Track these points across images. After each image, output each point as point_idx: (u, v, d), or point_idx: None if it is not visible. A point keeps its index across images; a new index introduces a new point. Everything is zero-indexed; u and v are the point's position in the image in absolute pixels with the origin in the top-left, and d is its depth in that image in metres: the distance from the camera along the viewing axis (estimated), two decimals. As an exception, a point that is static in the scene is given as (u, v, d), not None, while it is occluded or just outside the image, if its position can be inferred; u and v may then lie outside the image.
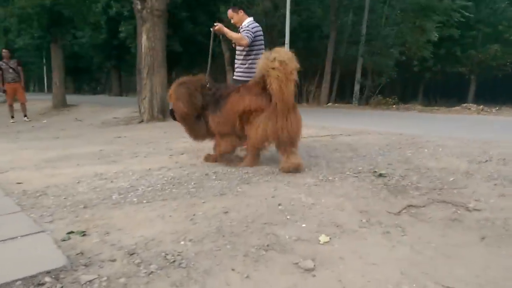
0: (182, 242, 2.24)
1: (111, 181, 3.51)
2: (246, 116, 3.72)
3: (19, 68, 10.48)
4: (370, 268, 2.00)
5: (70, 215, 2.65)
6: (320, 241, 2.29)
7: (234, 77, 4.76)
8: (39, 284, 1.75)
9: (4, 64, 10.36)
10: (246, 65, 4.60)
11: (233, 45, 4.66)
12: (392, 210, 2.76)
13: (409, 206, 2.83)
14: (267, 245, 2.23)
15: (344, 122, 7.43)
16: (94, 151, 5.17)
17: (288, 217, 2.61)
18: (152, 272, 1.91)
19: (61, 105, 14.01)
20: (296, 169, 3.61)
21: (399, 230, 2.45)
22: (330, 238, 2.32)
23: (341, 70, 19.61)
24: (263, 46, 4.59)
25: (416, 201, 2.88)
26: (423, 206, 2.80)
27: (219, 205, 2.78)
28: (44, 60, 29.85)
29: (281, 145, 3.71)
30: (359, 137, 5.51)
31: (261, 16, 16.63)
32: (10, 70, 10.27)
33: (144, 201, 2.90)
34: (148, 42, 7.98)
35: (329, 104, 14.86)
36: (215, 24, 4.39)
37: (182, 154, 4.68)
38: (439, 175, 3.42)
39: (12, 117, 11.11)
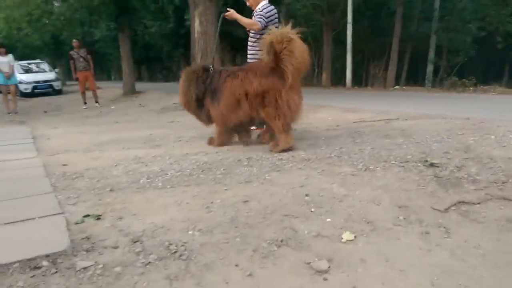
0: (191, 232, 2.12)
1: (146, 165, 3.51)
2: (259, 99, 3.69)
3: (89, 56, 11.15)
4: (395, 274, 1.70)
5: (94, 197, 2.66)
6: (342, 238, 2.02)
7: (248, 60, 4.62)
8: (35, 268, 1.73)
9: (75, 53, 11.07)
10: (254, 47, 4.50)
11: (248, 31, 4.60)
12: (438, 206, 2.38)
13: (460, 202, 2.41)
14: (281, 240, 2.02)
15: (408, 106, 6.81)
16: (144, 135, 5.28)
17: (313, 209, 2.36)
18: (150, 262, 1.81)
19: (130, 92, 14.75)
20: (289, 149, 3.72)
21: (442, 230, 2.09)
22: (355, 236, 2.04)
23: (412, 50, 18.20)
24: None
25: (470, 197, 2.46)
26: (478, 203, 2.38)
27: (241, 193, 2.61)
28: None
29: (285, 124, 3.72)
30: (417, 121, 4.96)
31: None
32: (81, 59, 10.97)
33: (168, 186, 2.83)
34: (201, 26, 7.97)
35: (396, 87, 13.86)
36: (228, 9, 4.35)
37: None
38: (504, 166, 2.90)
39: (85, 103, 11.90)
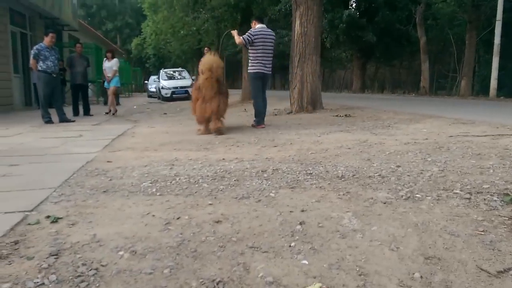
0: (121, 252, 1.73)
1: (171, 168, 3.27)
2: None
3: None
4: None
5: (80, 198, 2.51)
6: (304, 293, 1.39)
7: (248, 70, 6.07)
8: None
9: None
10: (251, 60, 5.85)
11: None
12: (489, 266, 1.50)
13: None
14: (218, 282, 1.48)
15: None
16: (209, 138, 5.12)
17: (293, 244, 1.74)
18: (43, 284, 1.49)
19: (248, 98, 15.16)
20: (216, 132, 5.33)
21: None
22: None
23: None
24: (262, 47, 5.73)
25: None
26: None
27: (221, 211, 2.12)
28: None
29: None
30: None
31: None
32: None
33: (158, 194, 2.50)
34: (301, 27, 7.52)
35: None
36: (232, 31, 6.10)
37: (275, 146, 4.06)
38: None
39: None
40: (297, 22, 7.64)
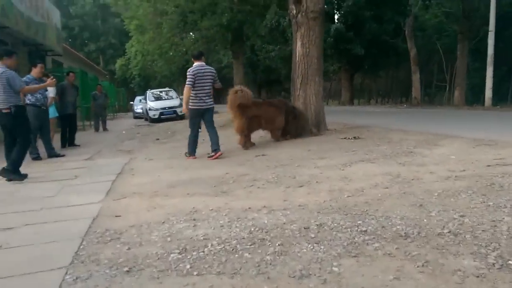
0: None
1: (194, 225, 2.85)
2: None
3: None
4: None
5: (100, 283, 2.06)
6: None
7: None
8: None
9: None
10: (191, 96, 6.15)
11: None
12: None
13: None
14: None
15: None
16: (220, 174, 4.71)
17: None
18: None
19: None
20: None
21: None
22: None
23: None
24: (200, 84, 6.04)
25: None
26: None
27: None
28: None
29: None
30: None
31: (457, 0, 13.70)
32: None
33: (195, 273, 2.08)
34: (302, 48, 7.24)
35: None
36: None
37: (301, 186, 3.67)
38: None
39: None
40: (298, 43, 7.37)
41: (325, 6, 22.51)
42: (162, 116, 20.12)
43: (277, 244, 2.34)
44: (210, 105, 6.24)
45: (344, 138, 6.72)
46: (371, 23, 20.68)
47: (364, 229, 2.44)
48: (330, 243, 2.28)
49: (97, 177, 5.23)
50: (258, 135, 8.22)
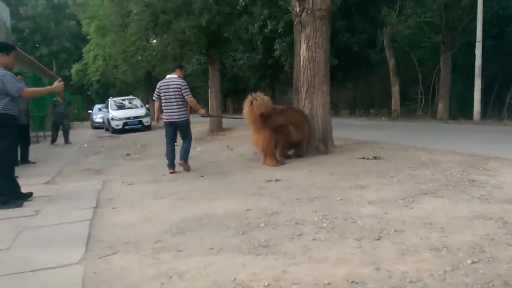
0: None
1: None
2: None
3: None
4: None
5: None
6: None
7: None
8: None
9: None
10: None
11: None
12: None
13: None
14: None
15: None
16: (238, 210, 3.57)
17: None
18: None
19: (217, 129, 13.63)
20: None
21: None
22: None
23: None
24: (164, 97, 5.97)
25: None
26: None
27: None
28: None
29: None
30: None
31: (440, 10, 13.39)
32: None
33: None
34: (308, 52, 6.28)
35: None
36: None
37: (378, 239, 2.61)
38: None
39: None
40: (303, 46, 6.39)
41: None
42: (126, 127, 18.52)
43: None
44: (179, 119, 6.01)
45: (362, 158, 5.79)
46: (344, 33, 20.25)
47: None
48: None
49: (66, 213, 3.92)
50: (246, 149, 7.12)
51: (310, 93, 6.40)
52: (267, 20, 19.95)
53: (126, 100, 21.02)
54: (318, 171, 5.15)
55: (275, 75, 29.55)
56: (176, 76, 6.07)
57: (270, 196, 4.02)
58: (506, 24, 14.58)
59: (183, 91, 5.93)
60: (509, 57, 14.27)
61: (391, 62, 15.83)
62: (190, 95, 6.08)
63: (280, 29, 20.84)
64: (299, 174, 5.10)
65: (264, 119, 5.72)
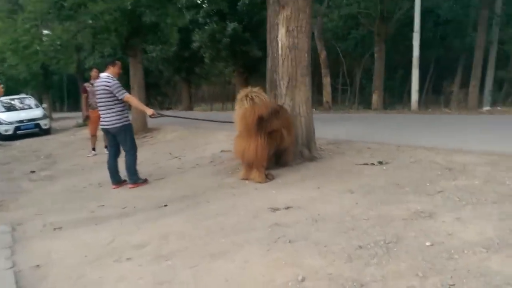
0: None
1: None
2: None
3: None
4: None
5: None
6: None
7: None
8: None
9: (91, 86, 8.13)
10: None
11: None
12: None
13: None
14: None
15: None
16: (278, 284, 2.16)
17: None
18: None
19: (142, 129, 11.63)
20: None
21: None
22: None
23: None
24: (97, 97, 5.30)
25: None
26: None
27: None
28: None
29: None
30: None
31: (375, 1, 13.12)
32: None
33: None
34: (288, 37, 5.00)
35: (486, 108, 11.03)
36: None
37: None
38: None
39: (93, 149, 8.90)
40: (281, 31, 5.08)
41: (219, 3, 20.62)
42: (18, 132, 15.33)
43: None
44: (111, 125, 5.22)
45: (365, 164, 4.72)
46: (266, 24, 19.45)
47: None
48: None
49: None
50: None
51: (292, 88, 5.13)
52: (183, 10, 18.15)
53: (17, 100, 17.49)
54: (330, 187, 3.93)
55: (191, 68, 27.77)
56: (106, 74, 5.27)
57: (305, 240, 2.65)
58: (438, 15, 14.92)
59: (114, 91, 5.11)
60: (443, 47, 14.71)
61: (323, 54, 15.35)
62: (124, 93, 5.17)
63: (200, 19, 19.14)
64: (308, 194, 3.81)
65: (259, 123, 4.44)
